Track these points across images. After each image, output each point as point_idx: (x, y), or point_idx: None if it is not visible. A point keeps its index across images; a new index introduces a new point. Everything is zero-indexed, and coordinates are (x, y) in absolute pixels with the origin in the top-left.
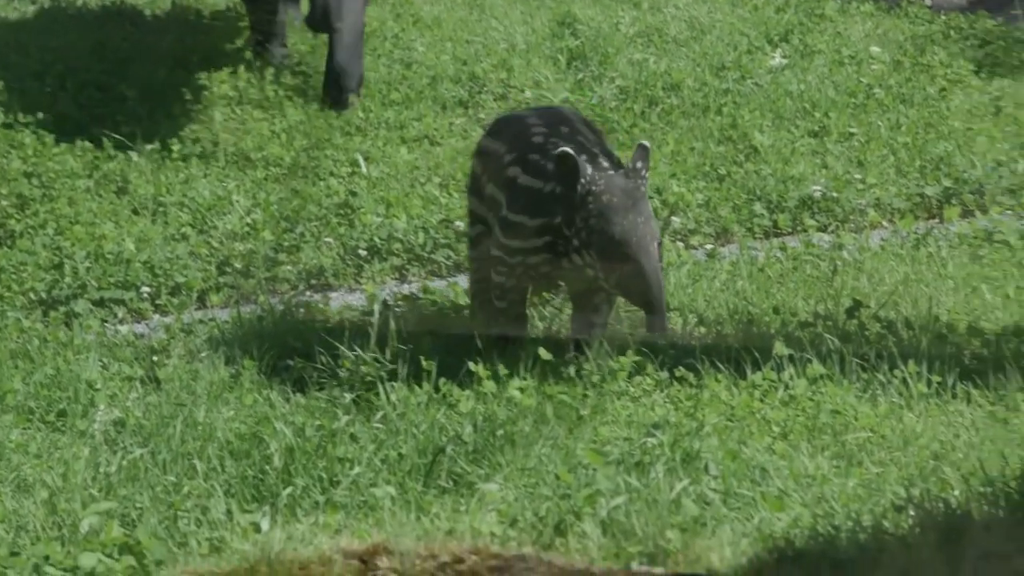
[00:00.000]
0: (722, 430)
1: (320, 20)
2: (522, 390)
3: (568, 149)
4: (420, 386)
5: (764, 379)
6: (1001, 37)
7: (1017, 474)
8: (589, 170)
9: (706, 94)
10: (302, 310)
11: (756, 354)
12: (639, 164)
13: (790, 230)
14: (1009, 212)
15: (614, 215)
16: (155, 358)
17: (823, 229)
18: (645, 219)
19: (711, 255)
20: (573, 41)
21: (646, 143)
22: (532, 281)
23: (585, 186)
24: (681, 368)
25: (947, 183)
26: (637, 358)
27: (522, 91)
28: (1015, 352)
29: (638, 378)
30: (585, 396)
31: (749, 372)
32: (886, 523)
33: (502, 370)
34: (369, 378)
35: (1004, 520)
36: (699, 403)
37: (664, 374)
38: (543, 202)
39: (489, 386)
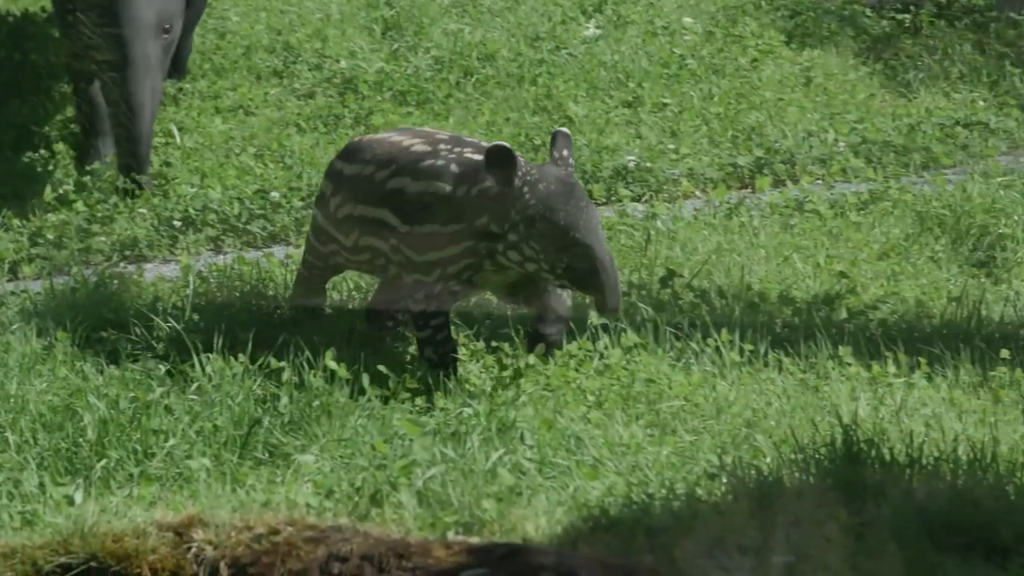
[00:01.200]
0: (538, 400)
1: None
2: (339, 361)
3: (503, 143)
4: (236, 357)
5: (579, 348)
6: (811, 8)
7: (827, 441)
8: (522, 162)
9: (521, 64)
10: (116, 282)
11: (571, 324)
12: (564, 152)
13: (604, 200)
14: (819, 182)
15: (557, 203)
16: None
17: (637, 199)
18: (586, 203)
19: None
20: (388, 11)
21: (564, 130)
22: (455, 297)
23: (521, 179)
24: (497, 339)
25: (759, 153)
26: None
27: (337, 61)
28: (825, 320)
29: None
30: (402, 367)
31: (565, 341)
32: (699, 490)
33: (318, 340)
34: (184, 349)
35: (814, 487)
36: (515, 373)
37: (480, 344)
38: (455, 207)
39: (306, 357)
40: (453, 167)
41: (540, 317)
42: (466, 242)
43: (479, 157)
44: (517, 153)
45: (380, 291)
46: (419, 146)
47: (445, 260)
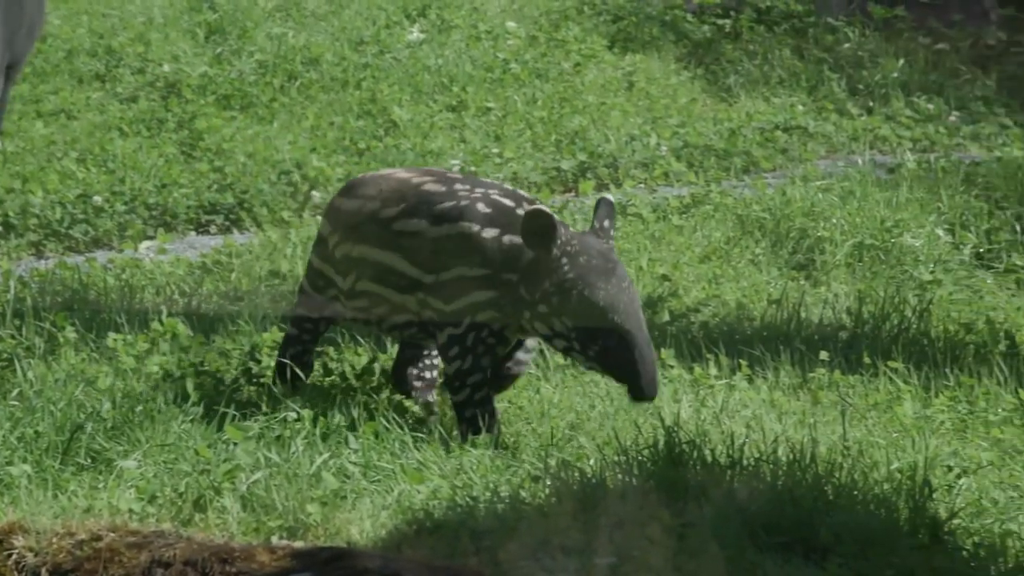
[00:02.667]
0: (364, 404)
1: None
2: (161, 366)
3: (542, 206)
4: (58, 363)
5: None
6: (633, 13)
7: (650, 443)
8: (562, 230)
9: (345, 68)
10: None
11: None
12: (606, 223)
13: None
14: (642, 185)
15: (596, 281)
16: None
17: None
18: (628, 283)
19: None
20: (211, 15)
21: (610, 197)
22: (490, 351)
23: (560, 248)
24: (321, 342)
25: (582, 157)
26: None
27: (160, 65)
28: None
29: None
30: (226, 372)
31: (389, 344)
32: (523, 493)
33: (140, 346)
34: (5, 355)
35: (637, 488)
36: (340, 377)
37: None
38: (483, 249)
39: (128, 362)
40: (480, 207)
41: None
42: (492, 292)
43: (508, 201)
44: (557, 218)
45: (403, 350)
46: (431, 185)
47: (474, 306)
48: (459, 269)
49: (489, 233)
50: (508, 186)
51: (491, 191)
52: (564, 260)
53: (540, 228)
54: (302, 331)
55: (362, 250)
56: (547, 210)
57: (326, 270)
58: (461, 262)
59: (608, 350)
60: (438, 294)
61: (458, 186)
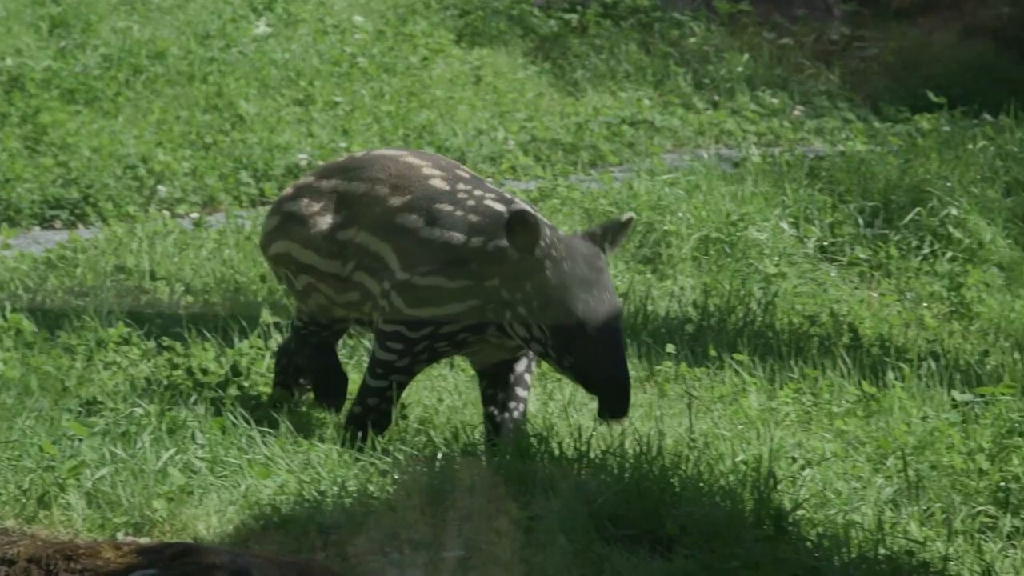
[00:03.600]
0: (211, 399)
1: None
2: (5, 362)
3: (526, 207)
4: None
5: (251, 347)
6: (480, 7)
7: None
8: (547, 232)
9: (191, 62)
10: None
11: (243, 322)
12: (608, 232)
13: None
14: (490, 179)
15: (578, 290)
16: None
17: None
18: (611, 295)
19: (198, 224)
20: (55, 8)
21: (631, 215)
22: (435, 358)
23: (544, 250)
24: (168, 338)
25: (430, 151)
26: (126, 329)
27: (3, 59)
28: None
29: (125, 348)
30: (71, 368)
31: (237, 340)
32: (372, 487)
33: None
34: None
35: (485, 482)
36: (186, 372)
37: (151, 344)
38: (465, 260)
39: None
40: (471, 216)
41: (493, 397)
42: (473, 301)
43: (499, 206)
44: (542, 218)
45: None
46: (439, 182)
47: (441, 319)
48: (437, 279)
49: (475, 243)
50: (503, 191)
51: (487, 195)
52: (547, 263)
53: (524, 230)
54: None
55: (363, 236)
56: (532, 211)
57: (306, 257)
58: (441, 272)
59: (581, 362)
60: (405, 294)
61: (460, 186)
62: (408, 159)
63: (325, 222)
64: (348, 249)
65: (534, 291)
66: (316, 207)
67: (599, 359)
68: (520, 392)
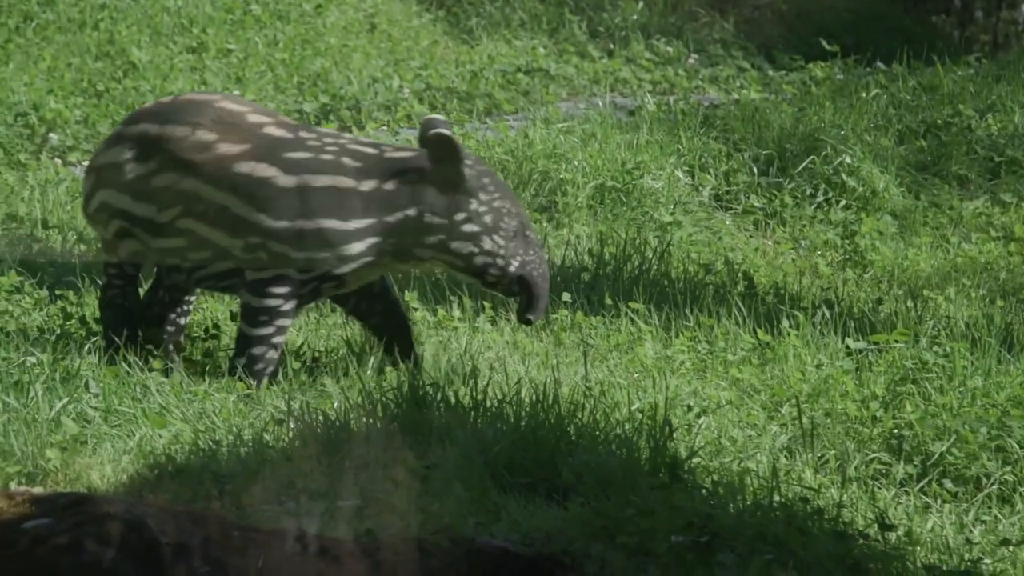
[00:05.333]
0: (102, 349)
1: None
2: None
3: (444, 131)
4: None
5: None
6: None
7: (394, 385)
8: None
9: (82, 9)
10: None
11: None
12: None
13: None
14: (384, 128)
15: (509, 199)
16: None
17: None
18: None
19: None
20: None
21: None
22: (316, 299)
23: (471, 167)
24: (60, 287)
25: (324, 99)
26: (18, 278)
27: None
28: None
29: (18, 296)
30: None
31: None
32: (267, 436)
33: None
34: None
35: (381, 431)
36: (80, 321)
37: (44, 293)
38: (362, 201)
39: None
40: (347, 160)
41: (384, 326)
42: (372, 239)
43: (370, 150)
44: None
45: (161, 292)
46: (275, 129)
47: (342, 257)
48: (327, 221)
49: (367, 186)
50: (350, 135)
51: (342, 141)
52: (486, 180)
53: (448, 152)
54: (111, 277)
55: (192, 184)
56: (449, 133)
57: (121, 202)
58: (330, 215)
59: (520, 269)
60: (288, 240)
61: (303, 134)
62: (225, 104)
63: (137, 168)
64: (168, 195)
65: (484, 207)
66: (127, 154)
67: (533, 263)
68: (399, 309)
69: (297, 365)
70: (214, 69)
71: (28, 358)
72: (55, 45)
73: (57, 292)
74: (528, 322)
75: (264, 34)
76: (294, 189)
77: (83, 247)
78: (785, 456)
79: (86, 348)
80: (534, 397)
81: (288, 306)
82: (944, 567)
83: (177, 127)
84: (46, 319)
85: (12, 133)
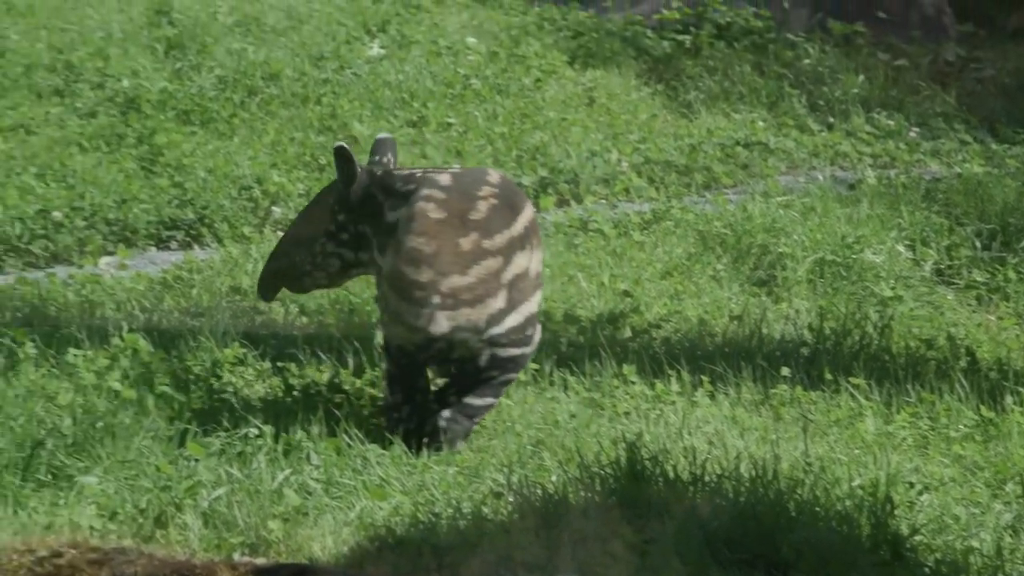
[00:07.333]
0: (325, 420)
1: None
2: (122, 382)
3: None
4: (17, 379)
5: (365, 368)
6: (593, 29)
7: (612, 459)
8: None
9: (305, 84)
10: None
11: (357, 343)
12: (388, 157)
13: None
14: (603, 201)
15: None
16: None
17: None
18: None
19: None
20: (171, 30)
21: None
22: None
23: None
24: (282, 358)
25: (543, 172)
26: (241, 350)
27: (119, 80)
28: (609, 339)
29: (241, 368)
30: (187, 388)
31: (350, 361)
32: (486, 509)
33: (101, 361)
34: None
35: (599, 504)
36: (302, 393)
37: (267, 364)
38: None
39: (89, 378)
40: None
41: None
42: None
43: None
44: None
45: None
46: None
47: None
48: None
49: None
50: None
51: None
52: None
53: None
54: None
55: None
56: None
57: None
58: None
59: None
60: None
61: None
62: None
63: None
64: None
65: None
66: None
67: None
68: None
69: (516, 439)
70: (434, 143)
71: (251, 430)
72: (279, 119)
73: (279, 364)
74: None
75: (484, 108)
76: None
77: (304, 319)
78: (1010, 535)
79: (307, 420)
80: (753, 472)
81: None
82: None
83: None
84: (268, 391)
85: (236, 206)
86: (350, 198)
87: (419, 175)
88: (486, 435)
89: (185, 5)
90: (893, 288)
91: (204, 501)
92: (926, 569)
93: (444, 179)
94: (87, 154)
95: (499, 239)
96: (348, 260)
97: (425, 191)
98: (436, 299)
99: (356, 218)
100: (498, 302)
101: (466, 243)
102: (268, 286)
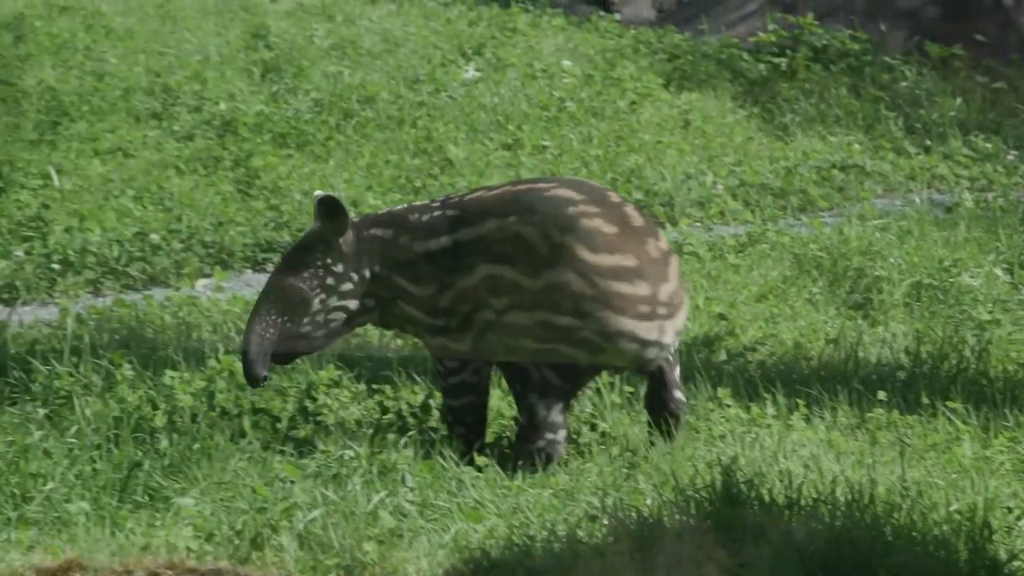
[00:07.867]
0: (420, 442)
1: None
2: (219, 403)
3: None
4: (115, 400)
5: None
6: (689, 52)
7: (707, 482)
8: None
9: (401, 107)
10: None
11: None
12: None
13: None
14: (698, 224)
15: None
16: None
17: None
18: None
19: None
20: (267, 53)
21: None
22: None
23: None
24: (377, 380)
25: (638, 195)
26: (336, 372)
27: (216, 103)
28: (704, 362)
29: (336, 390)
30: (283, 410)
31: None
32: (580, 532)
33: (198, 383)
34: (63, 393)
35: (694, 527)
36: (397, 415)
37: (362, 386)
38: None
39: (186, 400)
40: None
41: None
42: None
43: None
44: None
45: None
46: None
47: None
48: None
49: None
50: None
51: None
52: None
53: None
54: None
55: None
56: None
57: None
58: None
59: None
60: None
61: None
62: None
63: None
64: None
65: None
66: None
67: None
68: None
69: (611, 462)
70: (529, 165)
71: (346, 452)
72: (374, 142)
73: (374, 386)
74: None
75: (579, 131)
76: None
77: (399, 341)
78: None
79: (402, 442)
80: (849, 496)
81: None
82: None
83: None
84: (363, 413)
85: None
86: (342, 248)
87: (455, 200)
88: (581, 458)
89: (282, 29)
90: (991, 312)
91: (300, 523)
92: None
93: (567, 193)
94: (184, 177)
95: (663, 239)
96: (353, 310)
97: (566, 210)
98: (662, 310)
99: (358, 264)
100: (687, 299)
101: (652, 250)
102: (260, 364)
